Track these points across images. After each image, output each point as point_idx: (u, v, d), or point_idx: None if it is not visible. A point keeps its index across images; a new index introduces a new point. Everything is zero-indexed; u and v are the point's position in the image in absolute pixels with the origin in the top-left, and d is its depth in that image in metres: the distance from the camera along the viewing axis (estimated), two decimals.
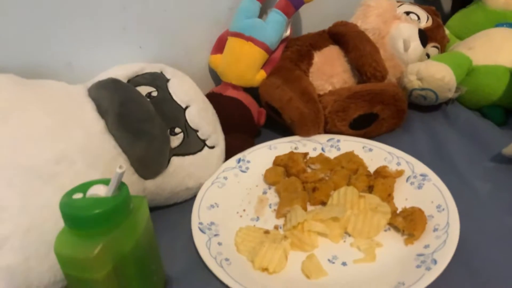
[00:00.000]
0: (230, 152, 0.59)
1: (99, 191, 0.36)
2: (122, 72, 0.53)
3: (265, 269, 0.44)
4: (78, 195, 0.36)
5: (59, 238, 0.35)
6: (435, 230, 0.46)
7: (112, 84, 0.47)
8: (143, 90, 0.52)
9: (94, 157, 0.43)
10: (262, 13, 0.66)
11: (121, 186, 0.36)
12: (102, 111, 0.46)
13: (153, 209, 0.52)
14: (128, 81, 0.53)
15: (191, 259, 0.47)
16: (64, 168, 0.41)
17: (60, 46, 0.56)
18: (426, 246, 0.44)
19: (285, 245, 0.46)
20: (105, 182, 0.36)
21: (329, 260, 0.46)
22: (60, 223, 0.35)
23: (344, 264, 0.45)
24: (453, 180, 0.52)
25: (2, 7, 0.51)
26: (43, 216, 0.39)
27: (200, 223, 0.49)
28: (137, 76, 0.54)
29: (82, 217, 0.34)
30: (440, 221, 0.47)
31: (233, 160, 0.59)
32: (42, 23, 0.54)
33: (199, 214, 0.51)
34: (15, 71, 0.48)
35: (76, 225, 0.35)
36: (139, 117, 0.46)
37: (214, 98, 0.62)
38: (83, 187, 0.36)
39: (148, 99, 0.51)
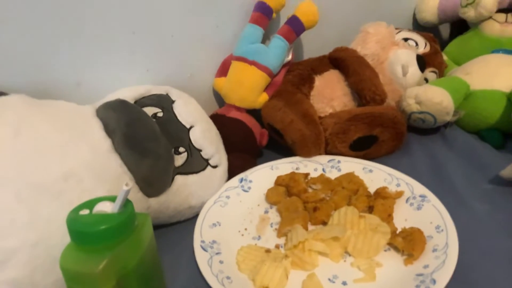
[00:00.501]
0: (232, 172, 0.60)
1: (105, 207, 0.37)
2: (129, 93, 0.54)
3: None
4: (85, 211, 0.37)
5: (65, 253, 0.35)
6: (434, 250, 0.46)
7: (119, 105, 0.49)
8: (149, 111, 0.53)
9: (100, 175, 0.44)
10: (265, 39, 0.68)
11: (126, 203, 0.37)
12: (109, 131, 0.47)
13: (156, 227, 0.53)
14: (135, 102, 0.54)
15: (193, 277, 0.47)
16: (72, 184, 0.42)
17: (70, 67, 0.57)
18: (426, 266, 0.45)
19: (286, 264, 0.46)
20: (111, 199, 0.37)
21: (329, 279, 0.46)
22: (67, 238, 0.35)
23: (344, 283, 0.45)
24: (452, 201, 0.53)
25: (13, 29, 0.53)
26: (50, 231, 0.39)
27: (202, 241, 0.50)
28: (143, 97, 0.56)
29: (88, 232, 0.35)
30: (439, 241, 0.47)
31: (235, 180, 0.60)
32: (52, 44, 0.55)
33: (201, 233, 0.51)
34: (25, 92, 0.49)
35: (82, 241, 0.36)
36: (145, 136, 0.47)
37: (217, 119, 0.63)
38: (90, 204, 0.37)
39: (154, 120, 0.52)
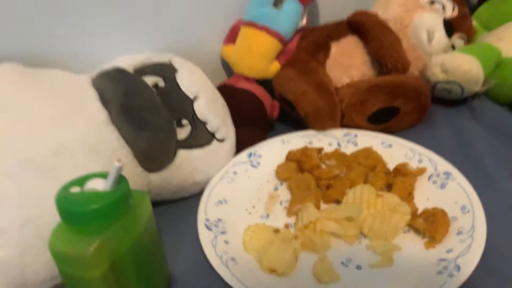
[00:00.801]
0: (241, 146, 0.57)
1: (97, 185, 0.34)
2: (128, 61, 0.51)
3: (273, 271, 0.42)
4: (75, 189, 0.34)
5: (55, 234, 0.34)
6: (459, 233, 0.43)
7: (116, 73, 0.45)
8: (150, 80, 0.50)
9: (95, 149, 0.41)
10: (277, 2, 0.63)
11: (120, 180, 0.35)
12: (105, 101, 0.44)
13: (159, 203, 0.51)
14: (134, 71, 0.51)
15: (198, 257, 0.45)
16: (63, 160, 0.39)
17: (67, 35, 0.55)
18: (449, 251, 0.41)
19: (295, 245, 0.44)
20: (104, 175, 0.35)
21: (342, 263, 0.43)
22: (58, 217, 0.33)
23: (358, 267, 0.42)
24: (479, 180, 0.49)
25: None
26: (41, 209, 0.37)
27: (207, 220, 0.47)
28: (144, 66, 0.52)
29: (78, 212, 0.33)
30: (465, 223, 0.43)
31: (243, 155, 0.57)
32: (48, 11, 0.53)
33: (206, 210, 0.49)
34: (21, 60, 0.47)
35: (71, 221, 0.33)
36: (143, 107, 0.44)
37: (225, 90, 0.60)
38: (81, 181, 0.35)
39: (155, 90, 0.49)
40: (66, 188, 0.34)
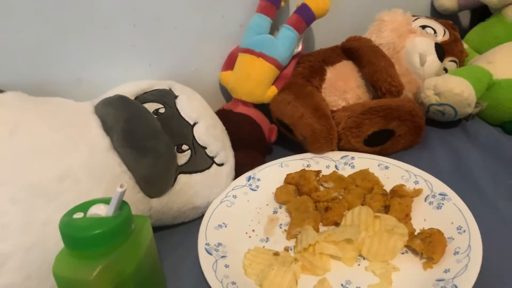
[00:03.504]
0: (239, 170, 0.57)
1: (100, 210, 0.35)
2: (130, 89, 0.52)
3: None
4: (78, 215, 0.35)
5: (58, 259, 0.34)
6: (455, 253, 0.43)
7: (118, 100, 0.46)
8: (151, 106, 0.51)
9: (98, 174, 0.42)
10: (273, 30, 0.65)
11: (122, 205, 0.35)
12: (107, 128, 0.45)
13: (159, 228, 0.51)
14: (136, 98, 0.52)
15: (198, 281, 0.45)
16: (68, 185, 0.40)
17: (70, 63, 0.56)
18: (446, 271, 0.42)
19: (295, 268, 0.44)
20: (106, 201, 0.35)
21: (342, 285, 0.43)
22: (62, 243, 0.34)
23: None
24: (475, 200, 0.50)
25: (12, 24, 0.51)
26: (46, 234, 0.38)
27: (207, 244, 0.48)
28: (145, 93, 0.54)
29: (81, 237, 0.33)
30: (461, 243, 0.44)
31: (242, 178, 0.57)
32: (51, 39, 0.54)
33: (206, 235, 0.49)
34: (24, 88, 0.48)
35: (75, 246, 0.34)
36: (144, 134, 0.45)
37: (224, 114, 0.61)
38: (84, 206, 0.36)
39: (155, 116, 0.50)
40: (69, 214, 0.35)
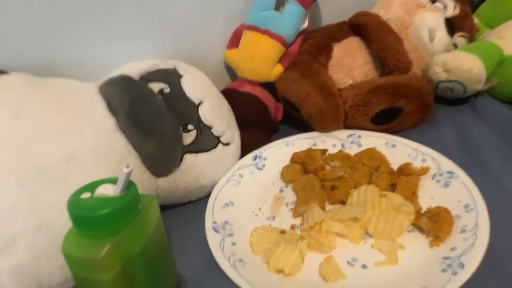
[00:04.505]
0: (246, 149, 0.57)
1: (107, 190, 0.35)
2: (134, 69, 0.52)
3: (280, 271, 0.43)
4: (86, 195, 0.35)
5: (67, 238, 0.35)
6: (462, 231, 0.43)
7: (122, 81, 0.46)
8: (155, 86, 0.51)
9: (104, 155, 0.42)
10: (279, 5, 0.64)
11: (129, 185, 0.36)
12: (112, 109, 0.45)
13: (166, 207, 0.52)
14: (140, 78, 0.52)
15: (206, 259, 0.45)
16: (74, 167, 0.40)
17: (74, 44, 0.56)
18: (453, 249, 0.42)
19: (301, 246, 0.44)
20: (113, 181, 0.36)
21: (348, 262, 0.43)
22: (70, 223, 0.34)
23: (364, 267, 0.43)
24: (483, 178, 0.49)
25: (16, 6, 0.51)
26: (53, 215, 0.38)
27: (214, 222, 0.48)
28: (149, 72, 0.53)
29: (89, 217, 0.34)
30: (468, 222, 0.44)
31: (249, 157, 0.57)
32: (55, 21, 0.53)
33: (213, 213, 0.49)
34: (29, 69, 0.48)
35: (83, 226, 0.34)
36: (149, 115, 0.45)
37: (229, 94, 0.60)
38: (91, 187, 0.36)
39: (160, 96, 0.50)
40: (77, 194, 0.35)
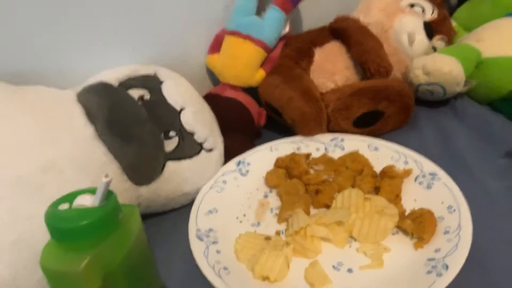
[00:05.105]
0: (229, 155, 0.57)
1: (85, 201, 0.34)
2: (113, 75, 0.51)
3: (265, 278, 0.42)
4: (64, 206, 0.34)
5: (45, 251, 0.33)
6: (446, 232, 0.43)
7: (101, 88, 0.45)
8: (135, 93, 0.50)
9: (83, 164, 0.41)
10: (260, 11, 0.64)
11: (108, 195, 0.35)
12: (91, 116, 0.44)
13: (149, 216, 0.51)
14: (120, 84, 0.51)
15: (190, 268, 0.44)
16: (52, 177, 0.39)
17: (50, 51, 0.54)
18: (437, 250, 0.42)
19: (287, 252, 0.44)
20: (92, 191, 0.34)
21: (333, 266, 0.43)
22: (49, 235, 0.33)
23: (349, 271, 0.43)
24: (465, 179, 0.49)
25: None
26: (31, 227, 0.37)
27: (198, 230, 0.47)
28: (129, 78, 0.52)
29: (67, 229, 0.33)
30: (451, 223, 0.44)
31: (232, 163, 0.57)
32: (32, 27, 0.52)
33: (197, 221, 0.48)
34: (6, 78, 0.47)
35: (61, 238, 0.33)
36: (129, 122, 0.44)
37: (212, 99, 0.60)
38: (70, 197, 0.35)
39: (140, 102, 0.49)
40: (55, 205, 0.34)
